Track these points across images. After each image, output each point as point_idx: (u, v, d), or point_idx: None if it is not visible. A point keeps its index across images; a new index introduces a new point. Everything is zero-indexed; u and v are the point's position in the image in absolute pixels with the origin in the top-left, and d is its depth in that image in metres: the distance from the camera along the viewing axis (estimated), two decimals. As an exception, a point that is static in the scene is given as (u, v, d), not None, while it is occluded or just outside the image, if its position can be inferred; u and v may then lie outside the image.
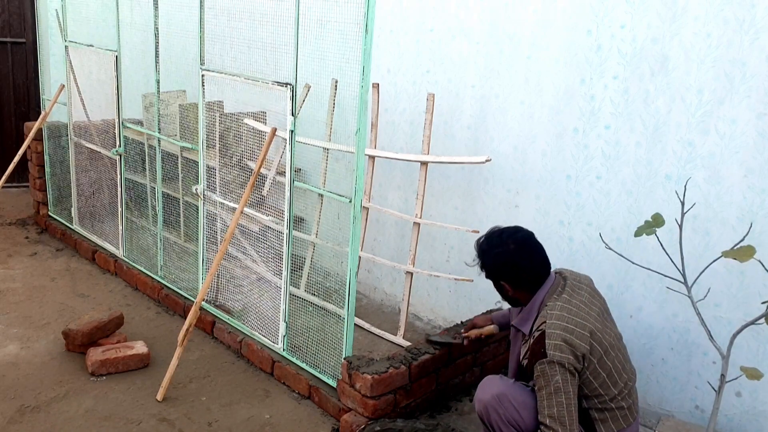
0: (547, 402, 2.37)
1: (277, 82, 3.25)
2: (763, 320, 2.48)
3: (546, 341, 2.38)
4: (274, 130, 3.45)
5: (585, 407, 2.46)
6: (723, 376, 2.60)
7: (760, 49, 2.74)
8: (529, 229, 3.57)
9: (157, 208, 4.43)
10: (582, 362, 2.36)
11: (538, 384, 2.40)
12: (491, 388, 2.51)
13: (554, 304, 2.46)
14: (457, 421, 3.17)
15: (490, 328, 3.03)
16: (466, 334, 3.10)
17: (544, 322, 2.43)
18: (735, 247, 2.55)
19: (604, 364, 2.41)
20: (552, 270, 2.62)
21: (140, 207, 5.10)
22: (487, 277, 2.64)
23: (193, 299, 3.99)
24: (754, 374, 2.42)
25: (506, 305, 2.96)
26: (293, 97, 3.20)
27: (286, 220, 3.36)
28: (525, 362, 2.51)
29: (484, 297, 3.86)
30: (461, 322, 3.47)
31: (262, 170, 3.99)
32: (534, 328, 2.49)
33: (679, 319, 3.08)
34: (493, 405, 2.47)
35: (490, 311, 3.36)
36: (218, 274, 3.99)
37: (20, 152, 5.17)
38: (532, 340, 2.47)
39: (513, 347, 2.69)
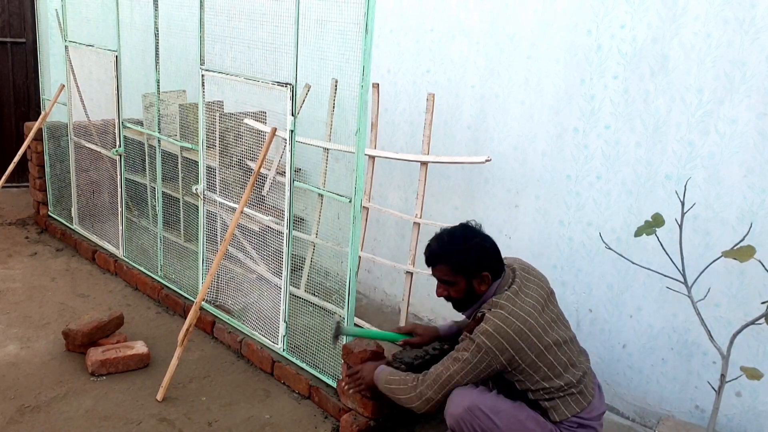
0: (443, 362, 2.47)
1: (277, 82, 3.25)
2: (763, 320, 2.48)
3: (481, 323, 2.40)
4: (274, 130, 3.45)
5: (532, 399, 2.46)
6: (723, 376, 2.60)
7: (760, 49, 2.74)
8: (529, 229, 3.61)
9: (157, 208, 4.43)
10: (507, 357, 2.36)
11: (453, 349, 2.46)
12: (462, 400, 2.45)
13: (501, 294, 2.46)
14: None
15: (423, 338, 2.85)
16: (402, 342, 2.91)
17: (490, 309, 2.43)
18: (735, 247, 2.55)
19: (543, 359, 2.41)
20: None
21: (140, 207, 5.10)
22: (463, 271, 2.48)
23: (193, 299, 3.99)
24: (754, 374, 2.42)
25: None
26: (293, 97, 3.20)
27: (286, 220, 3.37)
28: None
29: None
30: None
31: (262, 170, 3.99)
32: (477, 312, 2.51)
33: (679, 319, 3.08)
34: (466, 418, 2.43)
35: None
36: (218, 274, 3.99)
37: (20, 152, 5.17)
38: (471, 320, 2.51)
39: None
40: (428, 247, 2.57)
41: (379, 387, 2.68)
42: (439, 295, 2.59)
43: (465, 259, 2.48)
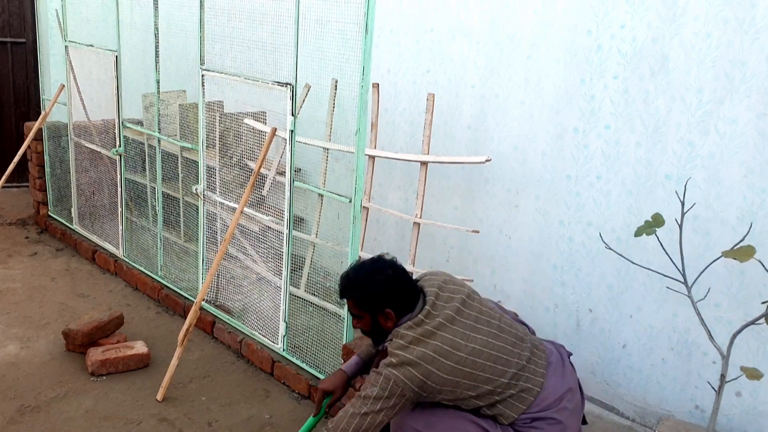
0: (353, 402, 2.33)
1: (277, 82, 3.25)
2: (763, 320, 2.48)
3: (384, 358, 2.34)
4: (274, 130, 3.45)
5: (471, 409, 2.39)
6: (723, 376, 2.60)
7: (760, 49, 2.74)
8: (529, 229, 3.61)
9: (157, 208, 4.43)
10: (418, 383, 2.28)
11: (361, 387, 2.35)
12: (394, 426, 2.44)
13: (404, 325, 2.38)
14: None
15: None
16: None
17: (390, 340, 2.37)
18: (735, 247, 2.55)
19: (459, 372, 2.31)
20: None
21: (140, 207, 5.10)
22: (366, 307, 2.44)
23: (193, 299, 3.99)
24: (754, 374, 2.42)
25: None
26: (293, 97, 3.20)
27: (286, 220, 3.36)
28: None
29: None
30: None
31: (262, 170, 3.99)
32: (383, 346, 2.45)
33: (679, 319, 3.08)
34: None
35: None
36: (218, 274, 3.99)
37: (20, 152, 5.17)
38: (378, 356, 2.45)
39: None
40: (339, 279, 2.54)
41: None
42: (354, 326, 2.58)
43: (367, 295, 2.43)
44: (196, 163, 4.22)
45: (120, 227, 4.70)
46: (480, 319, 2.45)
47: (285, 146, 3.38)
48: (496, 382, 2.36)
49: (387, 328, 2.45)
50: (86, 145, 4.93)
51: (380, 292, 2.41)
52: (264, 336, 3.60)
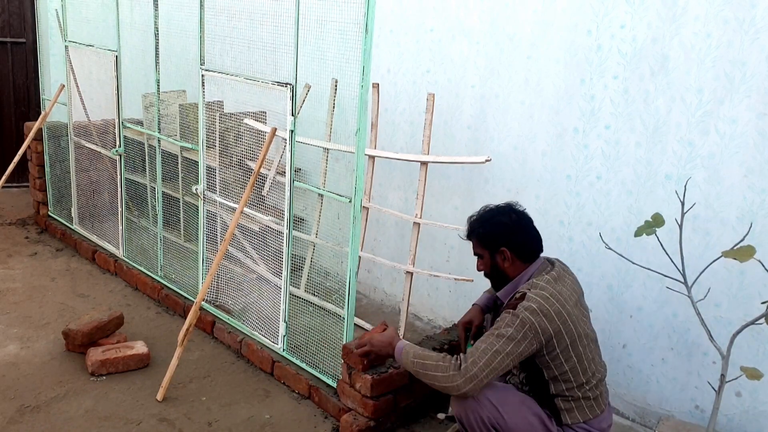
0: (485, 339, 2.41)
1: (277, 82, 3.25)
2: (763, 320, 2.48)
3: (523, 301, 2.42)
4: (274, 130, 3.45)
5: (552, 393, 2.50)
6: (723, 376, 2.60)
7: (760, 49, 2.74)
8: (529, 229, 3.61)
9: (157, 208, 4.43)
10: (547, 337, 2.39)
11: (493, 326, 2.44)
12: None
13: (541, 277, 2.50)
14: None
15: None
16: None
17: (530, 288, 2.47)
18: (735, 247, 2.55)
19: (575, 348, 2.45)
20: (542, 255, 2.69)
21: (140, 207, 5.10)
22: (486, 244, 2.62)
23: (193, 299, 3.99)
24: (754, 374, 2.43)
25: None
26: (293, 97, 3.20)
27: (286, 220, 3.37)
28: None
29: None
30: (453, 325, 3.45)
31: (262, 170, 3.99)
32: (516, 292, 2.53)
33: (679, 319, 3.08)
34: (473, 406, 2.45)
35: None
36: (218, 274, 3.99)
37: (20, 152, 5.17)
38: (509, 301, 2.52)
39: None
40: (467, 222, 2.75)
41: (402, 363, 2.63)
42: (477, 269, 2.72)
43: (485, 231, 2.62)
44: (196, 163, 4.22)
45: (120, 227, 4.70)
46: (589, 317, 2.63)
47: (285, 146, 3.38)
48: (589, 375, 2.49)
49: (504, 270, 2.61)
50: (86, 145, 4.93)
51: (498, 231, 2.60)
52: (264, 336, 3.61)
